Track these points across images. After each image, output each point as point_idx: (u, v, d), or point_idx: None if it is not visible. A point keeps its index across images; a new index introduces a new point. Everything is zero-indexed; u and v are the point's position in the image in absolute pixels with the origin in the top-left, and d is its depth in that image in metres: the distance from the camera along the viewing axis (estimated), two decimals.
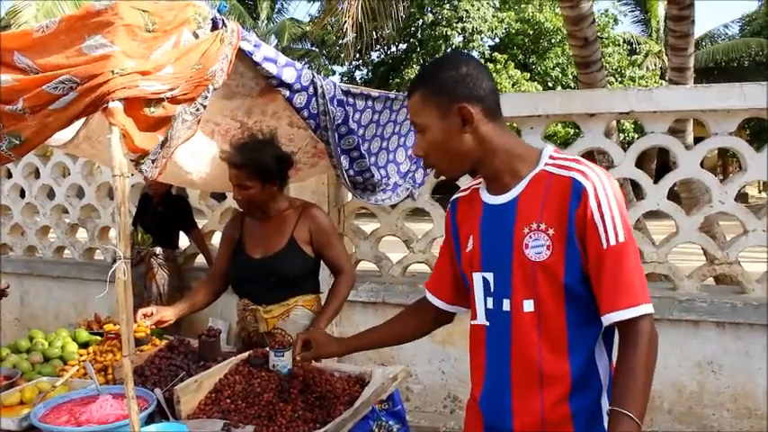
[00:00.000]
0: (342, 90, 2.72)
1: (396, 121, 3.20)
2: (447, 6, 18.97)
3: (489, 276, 1.45)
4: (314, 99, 2.56)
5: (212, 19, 1.97)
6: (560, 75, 19.10)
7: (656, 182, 3.80)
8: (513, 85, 17.41)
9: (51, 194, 5.69)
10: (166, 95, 1.71)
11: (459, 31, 18.74)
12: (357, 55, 16.50)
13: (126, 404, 1.60)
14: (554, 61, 19.16)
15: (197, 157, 2.90)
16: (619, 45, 19.38)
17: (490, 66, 17.46)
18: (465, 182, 4.04)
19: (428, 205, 4.18)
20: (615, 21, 19.73)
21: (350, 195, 4.15)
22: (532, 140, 3.82)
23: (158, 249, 4.74)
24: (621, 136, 15.70)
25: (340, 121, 2.73)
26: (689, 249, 4.24)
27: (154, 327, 2.51)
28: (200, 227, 5.00)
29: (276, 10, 24.64)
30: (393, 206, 3.98)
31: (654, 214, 3.83)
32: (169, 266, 4.78)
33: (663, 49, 18.34)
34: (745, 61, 20.06)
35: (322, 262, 2.72)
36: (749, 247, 3.63)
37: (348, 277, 2.70)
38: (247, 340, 2.67)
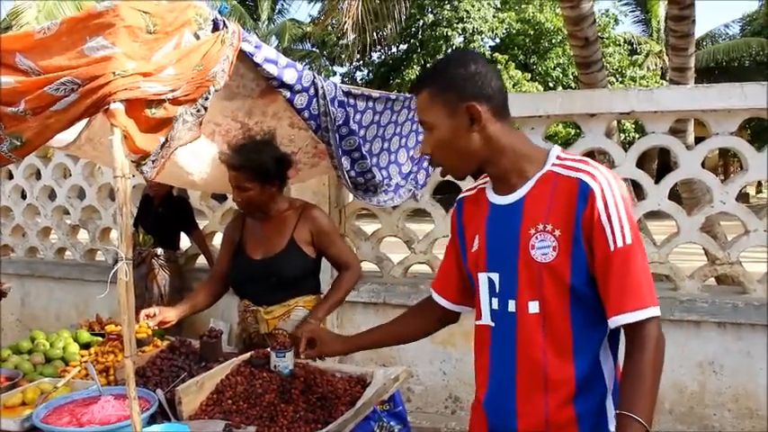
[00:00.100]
0: (343, 91, 2.72)
1: (397, 122, 3.20)
2: (447, 7, 18.96)
3: (495, 277, 1.45)
4: (315, 100, 2.56)
5: (213, 20, 1.98)
6: (561, 75, 19.08)
7: (657, 182, 3.79)
8: (513, 86, 17.39)
9: (52, 195, 5.70)
10: (168, 97, 1.72)
11: (460, 31, 18.73)
12: (358, 56, 16.49)
13: (127, 405, 1.60)
14: (555, 61, 19.14)
15: (198, 158, 2.91)
16: (619, 45, 19.37)
17: None
18: (465, 183, 4.01)
19: (429, 206, 4.18)
20: (616, 21, 19.72)
21: (351, 196, 4.15)
22: (533, 141, 3.81)
23: (159, 250, 4.75)
24: (622, 136, 15.69)
25: (341, 122, 2.73)
26: (690, 249, 4.24)
27: (156, 327, 2.51)
28: (201, 228, 5.01)
29: (277, 11, 24.64)
30: (394, 207, 3.98)
31: (655, 214, 3.83)
32: (170, 267, 4.78)
33: (663, 49, 18.35)
34: (746, 61, 20.05)
35: (322, 262, 2.72)
36: (750, 248, 3.63)
37: (353, 272, 2.70)
38: (248, 341, 2.67)
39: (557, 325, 1.37)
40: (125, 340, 1.59)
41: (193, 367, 2.30)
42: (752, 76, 16.28)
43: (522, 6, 19.54)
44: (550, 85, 18.83)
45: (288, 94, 2.46)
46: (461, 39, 18.92)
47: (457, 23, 18.62)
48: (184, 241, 5.00)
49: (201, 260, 5.19)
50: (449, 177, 4.00)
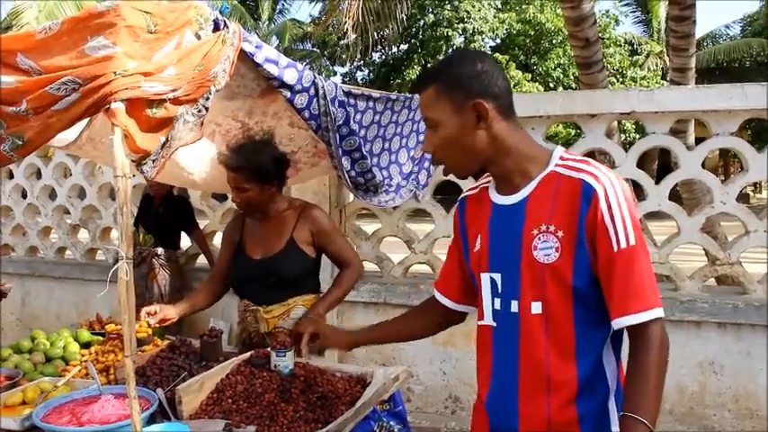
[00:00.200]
0: (343, 91, 2.72)
1: (397, 122, 3.20)
2: (448, 7, 18.96)
3: (497, 277, 1.44)
4: (315, 100, 2.57)
5: (214, 20, 1.98)
6: (561, 75, 19.09)
7: (657, 182, 3.79)
8: (514, 86, 17.37)
9: (53, 195, 5.70)
10: (168, 96, 1.72)
11: (461, 31, 18.73)
12: (358, 56, 16.50)
13: (128, 404, 1.60)
14: (555, 62, 19.15)
15: (198, 158, 2.91)
16: (620, 46, 19.38)
17: None
18: (466, 183, 4.02)
19: (430, 206, 4.18)
20: (616, 21, 19.73)
21: (351, 196, 4.15)
22: None
23: (160, 250, 4.75)
24: (623, 136, 15.69)
25: (341, 122, 2.73)
26: (690, 250, 4.24)
27: (157, 325, 2.51)
28: (201, 227, 5.01)
29: (277, 11, 24.64)
30: (394, 207, 3.98)
31: (655, 215, 3.83)
32: (170, 267, 4.79)
33: (664, 50, 18.35)
34: (747, 62, 20.05)
35: (323, 261, 2.72)
36: (751, 248, 3.63)
37: (354, 269, 2.69)
38: (248, 341, 2.67)
39: (559, 326, 1.37)
40: (125, 339, 1.59)
41: (193, 367, 2.30)
42: (752, 76, 16.27)
43: (523, 7, 19.55)
44: (551, 85, 18.83)
45: (288, 94, 2.46)
46: (462, 39, 18.93)
47: (457, 24, 18.62)
48: (185, 241, 5.01)
49: (202, 260, 5.19)
50: (449, 177, 4.01)
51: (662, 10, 19.41)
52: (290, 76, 2.41)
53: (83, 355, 2.57)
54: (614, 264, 1.31)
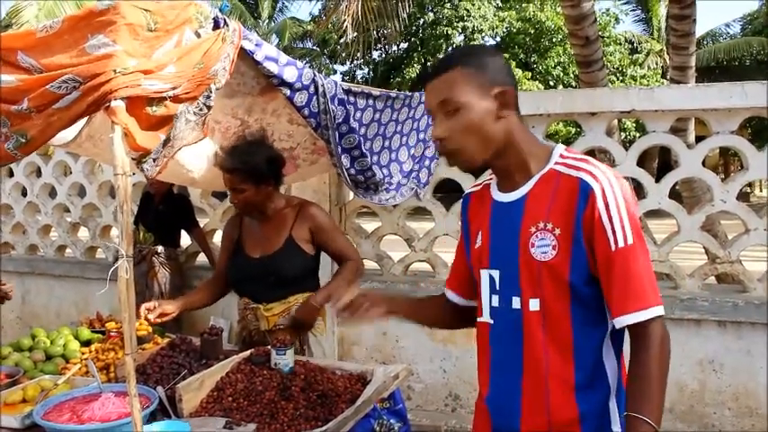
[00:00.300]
0: (343, 89, 2.72)
1: (398, 120, 3.20)
2: (448, 5, 18.94)
3: (495, 274, 1.44)
4: (315, 98, 2.57)
5: (214, 18, 1.98)
6: (562, 74, 19.07)
7: (657, 181, 3.79)
8: None
9: (53, 193, 5.70)
10: (168, 94, 1.72)
11: (460, 30, 18.70)
12: (358, 54, 16.48)
13: (128, 402, 1.61)
14: (555, 60, 19.13)
15: (198, 156, 2.91)
16: (620, 44, 19.35)
17: None
18: (467, 183, 4.02)
19: (430, 204, 4.18)
20: (616, 20, 19.70)
21: (351, 194, 4.15)
22: None
23: (160, 248, 4.75)
24: (623, 135, 15.69)
25: (341, 120, 2.73)
26: (690, 248, 4.24)
27: (157, 320, 2.52)
28: (201, 225, 5.01)
29: (277, 9, 24.64)
30: (395, 205, 3.98)
31: (655, 213, 3.83)
32: (171, 265, 4.79)
33: (664, 48, 18.35)
34: (747, 60, 20.04)
35: (322, 258, 2.72)
36: (751, 246, 3.62)
37: (354, 263, 2.69)
38: (248, 339, 2.67)
39: (557, 323, 1.37)
40: (126, 337, 1.59)
41: (194, 365, 2.30)
42: (752, 75, 16.28)
43: (523, 5, 19.51)
44: (551, 83, 18.82)
45: (288, 91, 2.46)
46: (462, 37, 18.90)
47: (457, 22, 18.59)
48: (185, 239, 5.01)
49: (202, 258, 5.19)
50: (450, 176, 4.01)
51: (662, 8, 19.44)
52: (289, 74, 2.41)
53: (83, 353, 2.57)
54: (612, 263, 1.30)
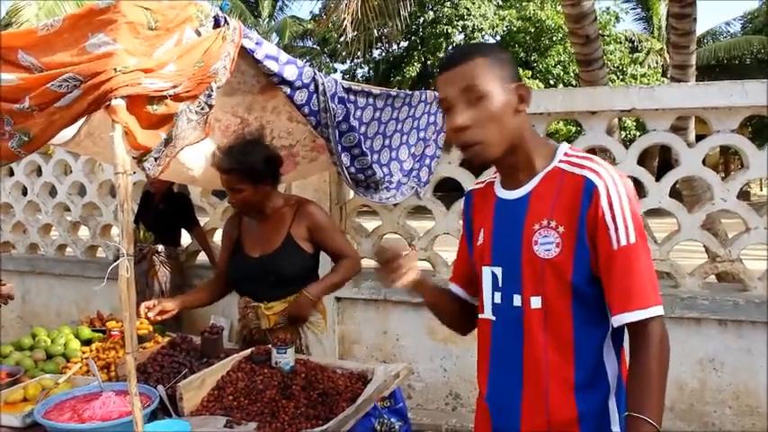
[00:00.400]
0: (343, 87, 2.72)
1: (398, 118, 3.20)
2: (448, 4, 18.92)
3: (498, 271, 1.44)
4: (315, 96, 2.57)
5: (214, 17, 1.98)
6: (562, 72, 19.05)
7: (657, 179, 3.79)
8: None
9: (53, 192, 5.70)
10: (169, 93, 1.72)
11: (461, 28, 18.68)
12: (359, 53, 16.48)
13: (129, 401, 1.61)
14: (555, 59, 19.10)
15: (198, 154, 2.91)
16: (620, 43, 19.33)
17: None
18: (466, 182, 4.01)
19: (430, 203, 4.18)
20: (617, 18, 19.67)
21: (352, 193, 4.15)
22: None
23: (160, 247, 4.75)
24: (623, 134, 15.69)
25: (341, 119, 2.73)
26: (691, 247, 4.23)
27: (157, 318, 2.52)
28: (201, 224, 5.01)
29: (278, 8, 24.60)
30: (395, 204, 3.98)
31: (656, 212, 3.83)
32: (171, 264, 4.79)
33: (665, 47, 18.33)
34: (747, 59, 20.03)
35: (321, 256, 2.72)
36: (751, 245, 3.62)
37: (350, 260, 2.69)
38: (249, 338, 2.67)
39: (558, 322, 1.36)
40: (126, 336, 1.59)
41: (194, 363, 2.30)
42: (753, 73, 16.25)
43: (523, 4, 19.48)
44: (551, 82, 18.80)
45: (288, 90, 2.46)
46: (462, 36, 18.89)
47: (457, 21, 18.57)
48: (185, 238, 5.01)
49: (202, 257, 5.19)
50: (450, 175, 4.01)
51: (662, 7, 19.41)
52: (289, 73, 2.41)
53: (84, 352, 2.58)
54: (614, 261, 1.30)
